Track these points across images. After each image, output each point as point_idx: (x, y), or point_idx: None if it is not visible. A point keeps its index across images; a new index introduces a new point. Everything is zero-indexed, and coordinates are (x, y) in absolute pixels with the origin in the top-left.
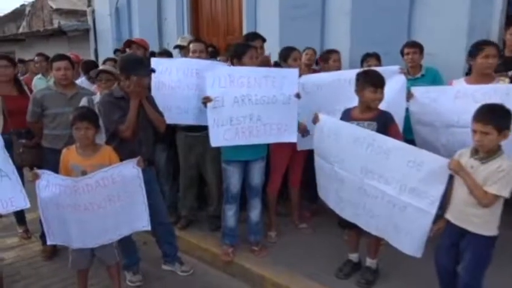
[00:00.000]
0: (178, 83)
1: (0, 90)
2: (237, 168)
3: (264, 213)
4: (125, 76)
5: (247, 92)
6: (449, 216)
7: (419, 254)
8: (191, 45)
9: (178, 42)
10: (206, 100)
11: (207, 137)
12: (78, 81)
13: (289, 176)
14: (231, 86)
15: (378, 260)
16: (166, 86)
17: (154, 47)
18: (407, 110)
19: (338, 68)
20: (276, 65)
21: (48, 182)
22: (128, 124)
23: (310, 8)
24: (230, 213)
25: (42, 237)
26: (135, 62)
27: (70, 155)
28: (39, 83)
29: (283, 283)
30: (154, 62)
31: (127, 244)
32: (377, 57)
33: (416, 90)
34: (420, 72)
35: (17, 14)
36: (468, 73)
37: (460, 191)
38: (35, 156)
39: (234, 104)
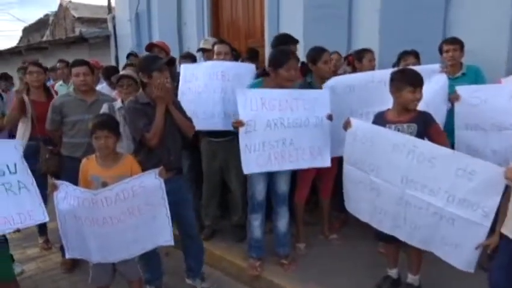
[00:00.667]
0: (204, 88)
1: (31, 96)
2: (262, 174)
3: (291, 224)
4: (147, 75)
5: (280, 115)
6: (505, 231)
7: (472, 269)
8: (216, 47)
9: (202, 45)
10: (238, 124)
11: (230, 142)
12: (98, 87)
13: (319, 186)
14: (262, 109)
15: (420, 276)
16: (192, 92)
17: (174, 51)
18: (448, 113)
19: (373, 68)
20: (303, 66)
21: (66, 194)
22: (155, 131)
23: (336, 7)
24: (256, 224)
25: (62, 249)
26: (153, 59)
27: (90, 166)
28: (60, 90)
29: None
30: (183, 68)
31: (150, 257)
32: (415, 55)
33: (463, 90)
34: (461, 71)
35: (41, 24)
36: None
37: None
38: (60, 163)
39: (267, 128)
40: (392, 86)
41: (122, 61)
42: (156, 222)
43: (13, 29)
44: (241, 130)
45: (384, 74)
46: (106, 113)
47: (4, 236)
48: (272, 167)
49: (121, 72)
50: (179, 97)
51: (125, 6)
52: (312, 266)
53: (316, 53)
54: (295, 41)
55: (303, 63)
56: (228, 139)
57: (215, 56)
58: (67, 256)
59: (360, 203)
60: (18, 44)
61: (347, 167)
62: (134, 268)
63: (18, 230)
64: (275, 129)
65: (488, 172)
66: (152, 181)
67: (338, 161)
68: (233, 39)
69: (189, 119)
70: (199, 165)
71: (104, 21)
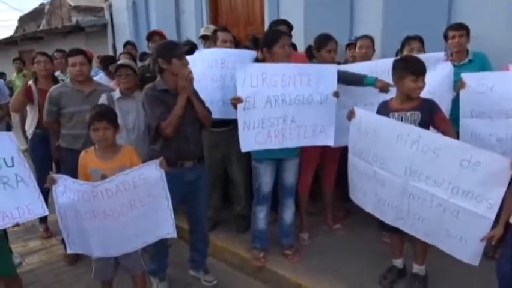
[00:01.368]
0: (202, 76)
1: (39, 85)
2: (269, 166)
3: (295, 214)
4: (167, 61)
5: (281, 91)
6: None
7: (476, 262)
8: (220, 35)
9: (202, 32)
10: (236, 101)
11: (232, 132)
12: (96, 78)
13: (322, 176)
14: (263, 85)
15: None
16: None
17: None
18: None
19: (369, 57)
20: (309, 51)
21: (65, 188)
22: (171, 120)
23: None
24: (261, 215)
25: (64, 242)
26: (172, 44)
27: (88, 159)
28: None
29: None
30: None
31: (159, 249)
32: (420, 40)
33: (469, 77)
34: (467, 58)
35: (36, 13)
36: None
37: None
38: None
39: (266, 105)
40: (394, 75)
41: (120, 50)
42: (158, 215)
43: (9, 18)
44: (240, 107)
45: (387, 64)
46: (104, 104)
47: (4, 230)
48: (272, 145)
49: (119, 62)
50: None
51: None
52: (316, 257)
53: (321, 41)
54: (289, 25)
55: (310, 46)
56: (229, 128)
57: (219, 44)
58: (69, 251)
59: (364, 193)
60: (14, 33)
61: (351, 157)
62: (138, 261)
63: (17, 225)
64: (276, 106)
65: (493, 163)
66: (153, 172)
67: (341, 151)
68: (232, 27)
69: (207, 109)
70: None
71: (101, 9)
